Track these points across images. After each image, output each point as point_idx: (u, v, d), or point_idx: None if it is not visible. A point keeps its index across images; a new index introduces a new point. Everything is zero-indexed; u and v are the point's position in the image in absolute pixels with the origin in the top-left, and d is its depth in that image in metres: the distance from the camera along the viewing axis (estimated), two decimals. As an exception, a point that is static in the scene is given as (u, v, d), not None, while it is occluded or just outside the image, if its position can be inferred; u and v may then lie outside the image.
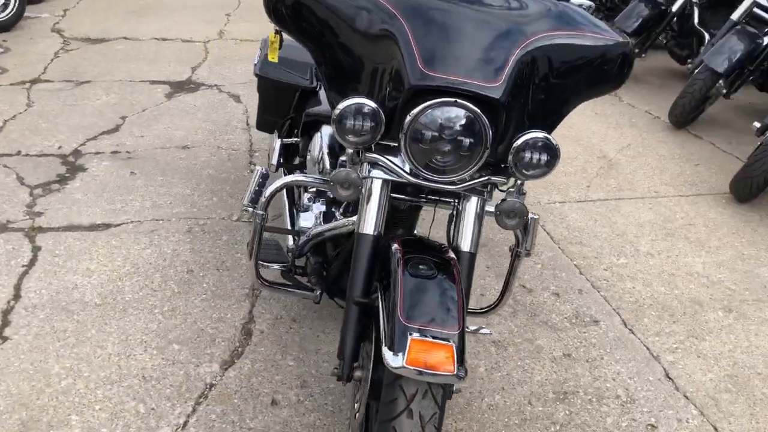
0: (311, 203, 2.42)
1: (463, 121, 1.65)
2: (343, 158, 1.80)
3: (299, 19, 1.83)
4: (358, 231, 1.84)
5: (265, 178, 2.10)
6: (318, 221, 2.34)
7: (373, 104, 1.65)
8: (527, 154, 1.70)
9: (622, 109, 5.30)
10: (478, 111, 1.63)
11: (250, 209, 2.08)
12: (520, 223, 1.84)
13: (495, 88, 1.63)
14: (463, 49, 1.65)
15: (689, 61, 5.70)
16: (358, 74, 1.75)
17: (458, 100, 1.63)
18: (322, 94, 2.85)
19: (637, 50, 5.43)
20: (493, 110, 1.65)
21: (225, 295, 2.74)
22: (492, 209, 1.83)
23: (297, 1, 1.82)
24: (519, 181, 1.80)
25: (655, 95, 5.61)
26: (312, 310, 2.69)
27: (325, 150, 2.23)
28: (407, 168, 1.76)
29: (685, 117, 4.72)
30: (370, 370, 1.73)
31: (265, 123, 3.10)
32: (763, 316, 2.91)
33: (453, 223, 1.88)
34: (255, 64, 2.98)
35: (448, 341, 1.51)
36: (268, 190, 2.04)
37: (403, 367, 1.47)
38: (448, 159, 1.70)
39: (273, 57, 2.31)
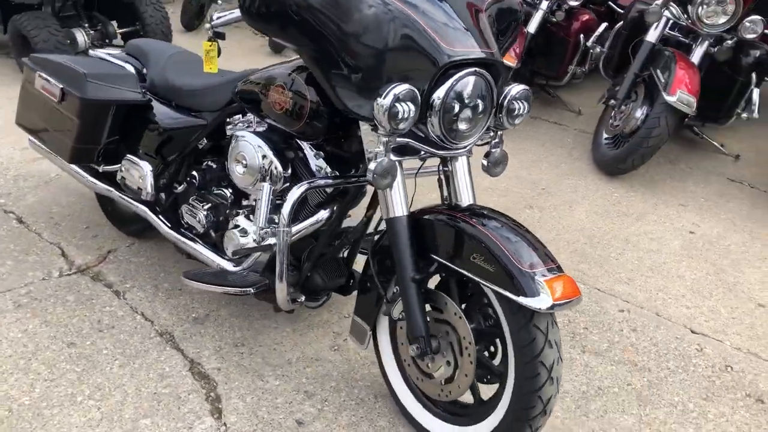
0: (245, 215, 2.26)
1: (474, 88, 1.80)
2: (375, 149, 1.77)
3: (288, 21, 1.76)
4: (388, 217, 1.86)
5: (275, 195, 1.92)
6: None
7: (413, 88, 1.69)
8: (516, 105, 1.94)
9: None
10: (489, 76, 1.82)
11: (269, 229, 1.88)
12: (504, 169, 2.10)
13: (495, 53, 1.83)
14: (458, 26, 1.79)
15: None
16: (371, 69, 1.72)
17: (477, 69, 1.78)
18: (157, 106, 2.56)
19: None
20: (494, 73, 1.85)
21: (139, 352, 2.34)
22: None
23: (284, 3, 1.72)
24: (500, 132, 2.04)
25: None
26: (246, 330, 2.49)
27: (270, 153, 2.09)
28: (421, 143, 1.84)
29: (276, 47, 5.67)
30: (469, 329, 1.82)
31: (81, 154, 2.61)
32: (550, 204, 3.70)
33: (447, 185, 2.04)
34: (69, 88, 2.47)
35: (562, 271, 1.73)
36: (288, 204, 1.88)
37: (554, 304, 1.63)
38: (469, 125, 1.84)
39: (212, 67, 2.01)
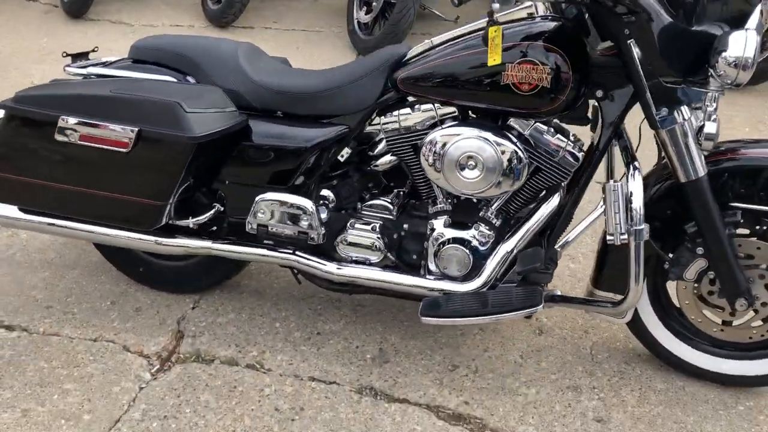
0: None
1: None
2: (709, 108, 1.57)
3: None
4: (688, 180, 1.71)
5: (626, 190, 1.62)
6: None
7: (754, 30, 1.53)
8: None
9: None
10: None
11: (627, 232, 1.60)
12: None
13: None
14: None
15: None
16: (704, 22, 1.55)
17: None
18: (263, 124, 1.96)
19: None
20: None
21: (369, 423, 1.90)
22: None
23: None
24: None
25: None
26: (439, 349, 2.14)
27: (512, 145, 1.74)
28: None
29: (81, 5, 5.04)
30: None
31: (162, 213, 1.90)
32: None
33: None
34: (155, 128, 1.74)
35: None
36: (640, 198, 1.61)
37: None
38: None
39: (496, 58, 1.51)
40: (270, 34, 4.78)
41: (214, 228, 2.09)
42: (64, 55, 2.13)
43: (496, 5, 1.48)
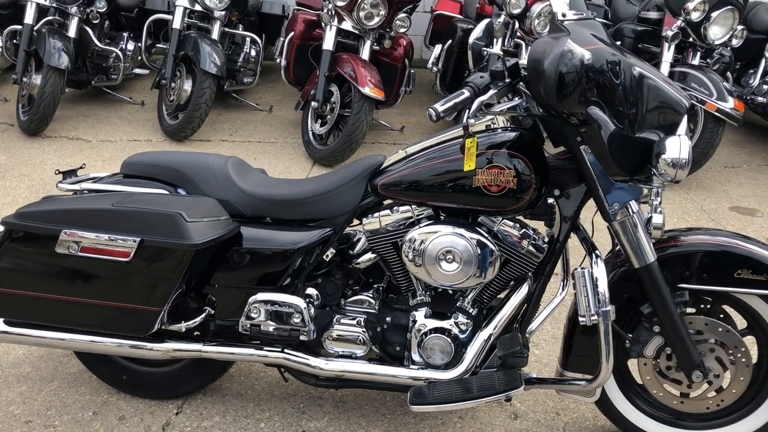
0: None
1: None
2: (655, 202, 1.81)
3: (599, 99, 1.76)
4: (641, 265, 1.93)
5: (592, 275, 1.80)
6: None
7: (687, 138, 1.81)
8: None
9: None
10: None
11: (593, 313, 1.76)
12: None
13: None
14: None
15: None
16: (647, 129, 1.81)
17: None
18: (254, 230, 2.11)
19: None
20: None
21: None
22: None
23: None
24: None
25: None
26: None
27: (485, 239, 1.95)
28: None
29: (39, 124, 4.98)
30: (742, 339, 2.00)
31: (157, 319, 2.00)
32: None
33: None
34: (157, 237, 1.87)
35: None
36: (605, 282, 1.79)
37: None
38: None
39: (471, 165, 1.72)
40: (227, 146, 4.98)
41: (198, 331, 2.17)
42: (56, 172, 2.25)
43: (472, 120, 1.72)
